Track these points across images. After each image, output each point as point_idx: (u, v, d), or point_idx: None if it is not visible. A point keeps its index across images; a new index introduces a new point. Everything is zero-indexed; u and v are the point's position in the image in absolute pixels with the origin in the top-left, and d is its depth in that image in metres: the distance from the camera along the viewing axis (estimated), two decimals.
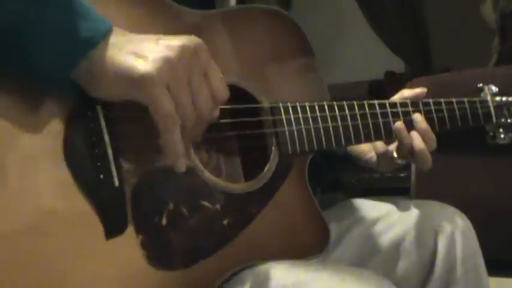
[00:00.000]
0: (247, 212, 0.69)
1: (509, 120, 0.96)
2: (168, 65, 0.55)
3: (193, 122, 0.60)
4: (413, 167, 2.09)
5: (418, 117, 0.85)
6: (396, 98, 0.92)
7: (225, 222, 0.66)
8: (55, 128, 0.55)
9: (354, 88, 3.51)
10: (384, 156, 0.89)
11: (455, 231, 0.87)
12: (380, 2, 3.95)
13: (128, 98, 0.57)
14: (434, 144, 0.87)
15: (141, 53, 0.56)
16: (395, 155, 0.87)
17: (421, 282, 0.87)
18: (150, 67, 0.55)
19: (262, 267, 0.69)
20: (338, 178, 3.48)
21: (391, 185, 3.28)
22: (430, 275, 0.87)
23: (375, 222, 0.92)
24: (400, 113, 0.82)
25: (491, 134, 0.99)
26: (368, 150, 0.93)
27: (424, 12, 3.95)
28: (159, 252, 0.60)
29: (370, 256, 0.90)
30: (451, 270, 0.86)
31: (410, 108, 0.84)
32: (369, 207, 0.95)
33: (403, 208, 0.93)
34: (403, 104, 0.84)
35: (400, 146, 0.86)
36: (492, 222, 1.85)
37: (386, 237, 0.90)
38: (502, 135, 0.98)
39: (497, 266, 1.55)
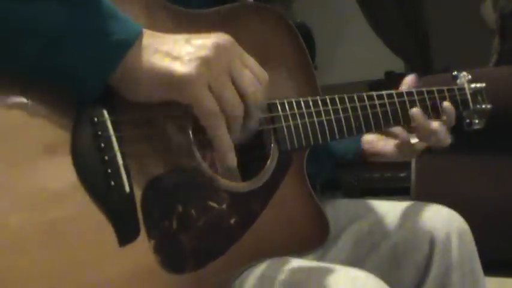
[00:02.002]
0: (252, 210, 0.69)
1: (483, 106, 0.98)
2: (205, 64, 0.56)
3: (242, 112, 0.60)
4: (413, 167, 2.09)
5: (447, 105, 0.90)
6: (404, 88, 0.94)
7: (232, 221, 0.67)
8: (62, 136, 0.54)
9: (354, 88, 3.51)
10: (403, 144, 0.91)
11: (452, 234, 0.86)
12: (380, 2, 3.95)
13: (167, 99, 0.57)
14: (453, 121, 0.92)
15: (176, 54, 0.56)
16: (416, 143, 0.91)
17: (417, 284, 0.87)
18: (188, 68, 0.55)
19: (264, 267, 0.70)
20: (338, 178, 3.49)
21: (391, 185, 3.29)
22: (425, 279, 0.86)
23: (371, 223, 0.92)
24: (377, 105, 0.84)
25: (467, 120, 1.00)
26: (378, 140, 0.95)
27: (424, 12, 3.95)
28: (171, 256, 0.60)
29: (365, 257, 0.90)
30: (447, 274, 0.85)
31: (394, 99, 0.86)
32: (366, 208, 0.95)
33: (399, 210, 0.92)
34: (386, 96, 0.85)
35: (421, 131, 0.88)
36: (492, 222, 1.86)
37: (382, 238, 0.90)
38: (477, 121, 1.00)
39: (497, 266, 1.55)
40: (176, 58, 0.56)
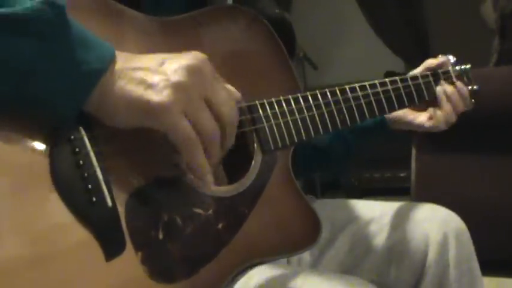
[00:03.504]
0: (239, 213, 0.69)
1: (469, 87, 0.98)
2: (179, 90, 0.55)
3: (219, 135, 0.60)
4: (413, 167, 2.09)
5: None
6: (418, 70, 0.97)
7: (219, 226, 0.66)
8: (40, 156, 0.54)
9: None
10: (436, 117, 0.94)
11: (449, 234, 0.86)
12: (380, 2, 3.95)
13: (142, 126, 0.57)
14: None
15: (150, 81, 0.55)
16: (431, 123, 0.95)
17: (414, 284, 0.87)
18: (161, 97, 0.55)
19: (253, 271, 0.69)
20: (338, 178, 3.49)
21: (391, 185, 3.29)
22: (422, 279, 0.86)
23: (368, 223, 0.92)
24: (360, 96, 0.84)
25: None
26: (408, 113, 0.97)
27: (424, 12, 3.95)
28: (160, 266, 0.60)
29: (362, 258, 0.90)
30: (444, 273, 0.85)
31: (378, 89, 0.87)
32: (363, 209, 0.95)
33: (396, 211, 0.92)
34: (368, 86, 0.86)
35: (444, 110, 0.93)
36: (492, 222, 1.85)
37: (378, 239, 0.90)
38: None
39: (497, 266, 1.55)
40: (150, 86, 0.55)
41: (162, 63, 0.57)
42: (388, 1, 3.95)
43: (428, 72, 0.95)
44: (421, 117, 0.95)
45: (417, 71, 0.97)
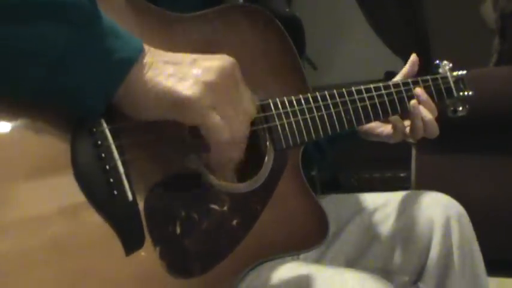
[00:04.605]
0: (253, 210, 0.70)
1: (466, 93, 1.00)
2: (211, 88, 0.56)
3: (246, 138, 0.62)
4: (413, 167, 2.09)
5: (418, 91, 0.91)
6: (398, 78, 0.96)
7: (234, 222, 0.67)
8: (62, 149, 0.54)
9: None
10: (398, 130, 0.93)
11: (451, 218, 0.89)
12: (380, 2, 3.94)
13: (168, 118, 0.57)
14: (436, 112, 0.92)
15: (181, 76, 0.56)
16: (408, 135, 0.92)
17: (419, 268, 0.89)
18: (192, 91, 0.55)
19: (264, 268, 0.70)
20: (338, 178, 3.49)
21: (391, 185, 3.28)
22: (426, 262, 0.89)
23: (372, 213, 0.94)
24: (366, 98, 0.85)
25: (451, 108, 1.02)
26: (378, 125, 0.95)
27: (424, 12, 3.95)
28: (177, 261, 0.61)
29: (368, 247, 0.92)
30: (448, 255, 0.88)
31: (382, 92, 0.88)
32: (367, 200, 0.98)
33: (399, 198, 0.95)
34: (373, 89, 0.87)
35: (413, 124, 0.90)
36: (492, 222, 1.85)
37: (383, 227, 0.92)
38: (461, 108, 1.01)
39: (497, 266, 1.55)
40: (181, 80, 0.56)
41: (194, 61, 0.58)
42: (388, 1, 3.95)
43: (429, 77, 0.96)
44: (388, 129, 0.95)
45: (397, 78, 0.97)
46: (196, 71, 0.57)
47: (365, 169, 3.38)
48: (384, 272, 0.89)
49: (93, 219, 0.54)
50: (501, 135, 1.90)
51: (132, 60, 0.55)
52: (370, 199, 0.97)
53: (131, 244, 0.57)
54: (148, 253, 0.58)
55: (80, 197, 0.54)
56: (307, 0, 4.08)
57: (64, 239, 0.52)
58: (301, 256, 0.94)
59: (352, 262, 0.91)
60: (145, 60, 0.56)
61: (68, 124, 0.55)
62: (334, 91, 0.81)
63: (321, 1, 4.14)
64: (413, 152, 2.06)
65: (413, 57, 0.98)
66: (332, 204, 0.96)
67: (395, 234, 0.90)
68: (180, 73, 0.56)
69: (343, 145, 1.03)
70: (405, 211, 0.91)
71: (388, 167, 3.28)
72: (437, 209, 0.90)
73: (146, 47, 0.57)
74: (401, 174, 3.15)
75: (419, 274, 0.89)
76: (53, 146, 0.54)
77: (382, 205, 0.94)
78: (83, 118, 0.56)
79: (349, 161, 3.38)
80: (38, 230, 0.51)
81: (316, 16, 4.03)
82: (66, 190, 0.53)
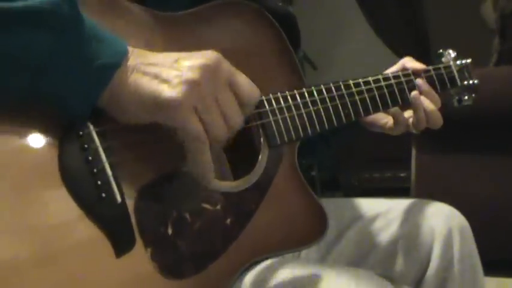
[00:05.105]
0: (247, 208, 0.69)
1: (470, 82, 0.98)
2: (193, 87, 0.56)
3: (226, 136, 0.60)
4: (413, 167, 2.09)
5: (420, 81, 0.90)
6: (395, 68, 0.94)
7: (227, 221, 0.67)
8: (49, 153, 0.54)
9: None
10: (400, 122, 0.91)
11: (453, 230, 0.88)
12: (380, 2, 3.94)
13: (154, 121, 0.57)
14: (439, 103, 0.90)
15: (164, 76, 0.56)
16: (411, 127, 0.91)
17: (418, 279, 0.88)
18: (175, 92, 0.55)
19: (262, 267, 0.70)
20: (338, 178, 3.48)
21: (391, 185, 3.28)
22: (426, 272, 0.87)
23: (373, 219, 0.93)
24: (364, 90, 0.84)
25: (456, 97, 1.00)
26: (382, 117, 0.94)
27: (424, 12, 3.95)
28: (169, 262, 0.60)
29: (368, 253, 0.91)
30: (448, 268, 0.87)
31: (381, 83, 0.86)
32: (368, 205, 0.96)
33: (401, 206, 0.93)
34: (372, 81, 0.85)
35: (415, 115, 0.88)
36: (492, 222, 1.85)
37: (384, 234, 0.91)
38: (466, 97, 1.00)
39: (497, 266, 1.55)
40: (164, 81, 0.55)
41: (176, 60, 0.57)
42: (388, 1, 3.95)
43: (431, 67, 0.94)
44: (392, 121, 0.93)
45: (394, 69, 0.95)
46: (178, 71, 0.56)
47: (365, 169, 3.38)
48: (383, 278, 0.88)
49: (82, 222, 0.54)
50: (501, 135, 1.90)
51: (115, 65, 0.54)
52: (372, 205, 0.96)
53: (121, 246, 0.56)
54: (139, 255, 0.58)
55: (68, 201, 0.54)
56: (307, 0, 4.08)
57: (53, 244, 0.52)
58: (302, 259, 0.93)
59: (353, 266, 0.90)
60: (128, 63, 0.56)
61: (55, 128, 0.55)
62: (331, 84, 0.79)
63: (321, 1, 4.14)
64: (413, 152, 2.06)
65: (423, 67, 0.94)
66: (333, 208, 0.95)
67: (396, 241, 0.89)
68: (163, 74, 0.56)
69: (347, 135, 1.01)
70: (407, 219, 0.90)
71: (388, 167, 3.27)
72: (440, 219, 0.88)
73: (130, 49, 0.56)
74: (401, 174, 3.14)
75: (418, 283, 0.88)
76: (41, 150, 0.53)
77: (384, 212, 0.93)
78: (71, 122, 0.55)
79: (349, 161, 3.38)
80: (26, 236, 0.51)
81: (316, 16, 4.03)
82: (54, 195, 0.53)
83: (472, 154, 1.96)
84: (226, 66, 0.59)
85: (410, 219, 0.90)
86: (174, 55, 0.58)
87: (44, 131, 0.54)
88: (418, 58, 0.98)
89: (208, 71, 0.57)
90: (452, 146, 1.98)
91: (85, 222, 0.54)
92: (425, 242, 0.87)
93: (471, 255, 0.89)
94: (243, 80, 0.61)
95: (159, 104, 0.55)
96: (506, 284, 1.86)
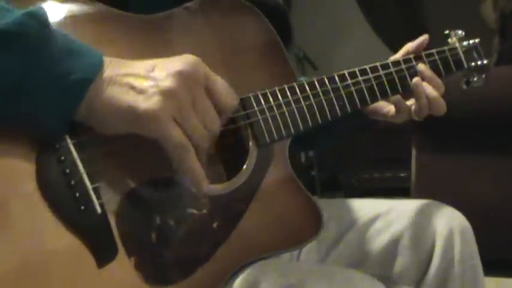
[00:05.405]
0: (235, 210, 0.68)
1: (479, 63, 0.94)
2: (169, 96, 0.55)
3: (208, 141, 0.60)
4: (413, 167, 2.09)
5: (421, 67, 0.87)
6: (398, 54, 0.92)
7: (214, 225, 0.65)
8: (27, 167, 0.53)
9: None
10: (402, 110, 0.88)
11: (454, 231, 0.87)
12: (380, 2, 3.94)
13: (132, 132, 0.56)
14: (442, 88, 0.87)
15: (139, 87, 0.55)
16: (414, 114, 0.88)
17: (418, 279, 0.87)
18: (151, 103, 0.54)
19: (253, 270, 0.69)
20: (338, 178, 3.48)
21: (391, 185, 3.28)
22: (426, 273, 0.87)
23: (374, 220, 0.92)
24: (361, 81, 0.82)
25: (464, 79, 0.96)
26: (384, 105, 0.91)
27: (424, 12, 3.95)
28: (154, 270, 0.60)
29: (369, 254, 0.90)
30: (448, 269, 0.86)
31: (379, 73, 0.83)
32: (368, 206, 0.96)
33: (402, 207, 0.93)
34: (369, 70, 0.83)
35: (417, 102, 0.86)
36: (492, 222, 1.85)
37: (385, 234, 0.90)
38: (476, 78, 0.95)
39: (497, 266, 1.55)
40: (139, 92, 0.55)
41: (152, 69, 0.56)
42: (388, 1, 3.95)
43: (434, 50, 0.91)
44: (394, 110, 0.90)
45: (398, 55, 0.92)
46: (153, 80, 0.55)
47: (365, 169, 3.38)
48: (383, 279, 0.87)
49: (63, 235, 0.54)
50: (501, 135, 1.90)
51: (88, 79, 0.53)
52: (373, 205, 0.95)
53: (103, 257, 0.56)
54: (122, 264, 0.57)
55: (47, 215, 0.53)
56: (307, 0, 4.08)
57: (34, 258, 0.52)
58: (301, 260, 0.93)
59: (353, 267, 0.90)
60: (104, 75, 0.55)
61: (32, 143, 0.54)
62: (324, 77, 0.77)
63: (321, 1, 4.13)
64: (413, 152, 2.06)
65: (424, 36, 0.91)
66: (333, 209, 0.95)
67: (396, 242, 0.88)
68: (139, 85, 0.55)
69: (350, 124, 0.97)
70: (408, 220, 0.89)
71: (388, 167, 3.27)
72: (441, 220, 0.87)
73: (107, 60, 0.55)
74: (401, 174, 3.14)
75: (418, 284, 0.87)
76: (18, 165, 0.53)
77: (385, 212, 0.92)
78: (47, 135, 0.55)
79: (349, 161, 3.38)
80: (6, 252, 0.50)
81: (316, 16, 4.03)
82: (32, 209, 0.53)
83: (472, 154, 1.96)
84: (204, 71, 0.58)
85: (411, 220, 0.89)
86: (150, 63, 0.57)
87: (21, 145, 0.54)
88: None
89: (185, 78, 0.56)
90: (452, 146, 1.98)
91: (65, 234, 0.54)
92: (425, 242, 0.87)
93: (472, 256, 0.88)
94: (219, 86, 0.60)
95: (136, 116, 0.54)
96: (506, 284, 1.86)
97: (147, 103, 0.54)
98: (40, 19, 0.52)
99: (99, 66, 0.55)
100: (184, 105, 0.56)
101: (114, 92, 0.55)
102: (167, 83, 0.55)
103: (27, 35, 0.51)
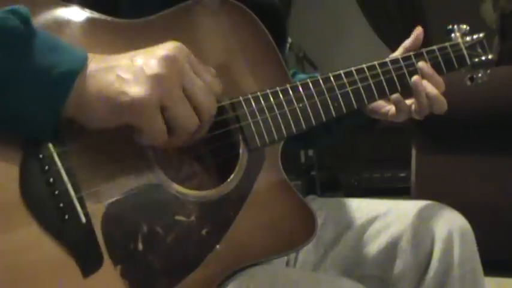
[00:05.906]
0: (224, 216, 0.67)
1: (483, 58, 0.90)
2: (155, 82, 0.55)
3: (197, 126, 0.59)
4: (413, 167, 2.09)
5: (421, 64, 0.85)
6: (398, 52, 0.90)
7: (203, 232, 0.64)
8: (10, 176, 0.53)
9: None
10: (402, 109, 0.87)
11: (453, 233, 0.86)
12: (380, 2, 3.95)
13: (122, 123, 0.56)
14: (443, 86, 0.85)
15: (125, 76, 0.55)
16: (414, 113, 0.86)
17: (417, 281, 0.87)
18: (138, 90, 0.54)
19: (244, 275, 0.68)
20: (338, 178, 3.49)
21: (391, 185, 3.28)
22: (425, 275, 0.86)
23: (372, 220, 0.92)
24: (357, 80, 0.80)
25: (468, 76, 0.92)
26: (383, 104, 0.90)
27: (424, 12, 3.95)
28: (141, 278, 0.59)
29: (367, 255, 0.90)
30: (447, 271, 0.85)
31: (377, 71, 0.82)
32: (367, 207, 0.95)
33: (401, 208, 0.92)
34: (366, 69, 0.82)
35: (417, 101, 0.84)
36: (492, 222, 1.85)
37: (383, 236, 0.89)
38: (480, 74, 0.92)
39: (497, 266, 1.55)
40: (126, 81, 0.54)
41: (136, 58, 0.56)
42: (389, 1, 3.95)
43: (435, 47, 0.89)
44: (394, 109, 0.88)
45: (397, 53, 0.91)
46: (138, 67, 0.55)
47: (365, 169, 3.38)
48: (381, 280, 0.87)
49: (46, 245, 0.53)
50: (501, 135, 1.90)
51: (75, 71, 0.53)
52: (372, 206, 0.94)
53: (89, 266, 0.55)
54: (108, 273, 0.57)
55: (32, 225, 0.53)
56: (307, 0, 4.08)
57: (19, 270, 0.52)
58: (299, 261, 0.92)
59: (351, 269, 0.89)
60: (89, 69, 0.55)
61: (16, 152, 0.54)
62: (318, 77, 0.75)
63: (321, 1, 4.14)
64: (413, 152, 2.06)
65: (418, 29, 0.89)
66: (332, 209, 0.94)
67: (396, 243, 0.87)
68: (125, 73, 0.55)
69: (350, 121, 0.95)
70: (407, 221, 0.88)
71: (388, 167, 3.28)
72: (440, 221, 0.86)
73: (91, 56, 0.55)
74: (401, 174, 3.14)
75: (416, 286, 0.87)
76: (1, 175, 0.53)
77: (383, 213, 0.91)
78: (30, 146, 0.54)
79: (349, 161, 3.38)
80: None
81: (316, 16, 4.03)
82: (17, 220, 0.53)
83: (472, 154, 1.96)
84: (188, 55, 0.58)
85: (410, 222, 0.88)
86: (132, 53, 0.57)
87: (4, 155, 0.53)
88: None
89: (171, 62, 0.56)
90: (452, 146, 1.98)
91: (50, 244, 0.54)
92: (425, 245, 0.86)
93: (472, 259, 0.86)
94: (203, 69, 0.60)
95: (124, 105, 0.54)
96: (506, 284, 1.86)
97: (134, 90, 0.54)
98: (22, 16, 0.52)
99: (84, 59, 0.55)
100: (172, 89, 0.56)
101: (101, 83, 0.54)
102: (152, 69, 0.55)
103: (8, 32, 0.51)
